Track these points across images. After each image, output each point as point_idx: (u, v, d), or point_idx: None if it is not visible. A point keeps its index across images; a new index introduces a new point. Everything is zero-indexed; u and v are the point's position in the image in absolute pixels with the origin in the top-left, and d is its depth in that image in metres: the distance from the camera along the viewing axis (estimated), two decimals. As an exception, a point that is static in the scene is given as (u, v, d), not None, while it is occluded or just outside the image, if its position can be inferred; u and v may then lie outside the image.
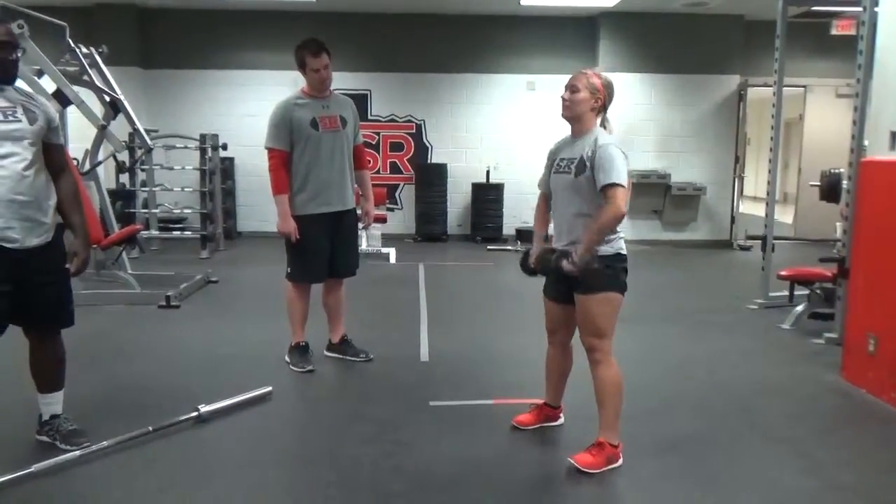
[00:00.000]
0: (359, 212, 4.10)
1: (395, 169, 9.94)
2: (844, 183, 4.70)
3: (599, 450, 2.72)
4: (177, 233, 8.46)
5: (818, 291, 5.08)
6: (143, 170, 8.22)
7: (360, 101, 9.35)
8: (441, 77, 9.72)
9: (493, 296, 6.19)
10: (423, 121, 9.84)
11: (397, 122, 9.83)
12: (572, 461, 2.70)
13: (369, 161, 8.08)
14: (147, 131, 6.26)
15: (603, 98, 2.78)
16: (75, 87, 5.49)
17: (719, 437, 3.13)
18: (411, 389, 3.68)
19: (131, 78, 8.82)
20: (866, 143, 4.13)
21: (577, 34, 9.63)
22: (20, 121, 2.60)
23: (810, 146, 9.75)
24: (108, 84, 5.87)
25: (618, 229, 2.76)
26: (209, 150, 8.13)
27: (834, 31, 8.37)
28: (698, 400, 3.60)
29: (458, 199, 9.85)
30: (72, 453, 2.73)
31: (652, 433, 3.12)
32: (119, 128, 5.97)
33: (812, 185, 5.80)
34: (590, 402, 2.82)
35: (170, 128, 8.90)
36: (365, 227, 4.44)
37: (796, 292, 5.48)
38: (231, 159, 9.34)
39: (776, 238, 5.92)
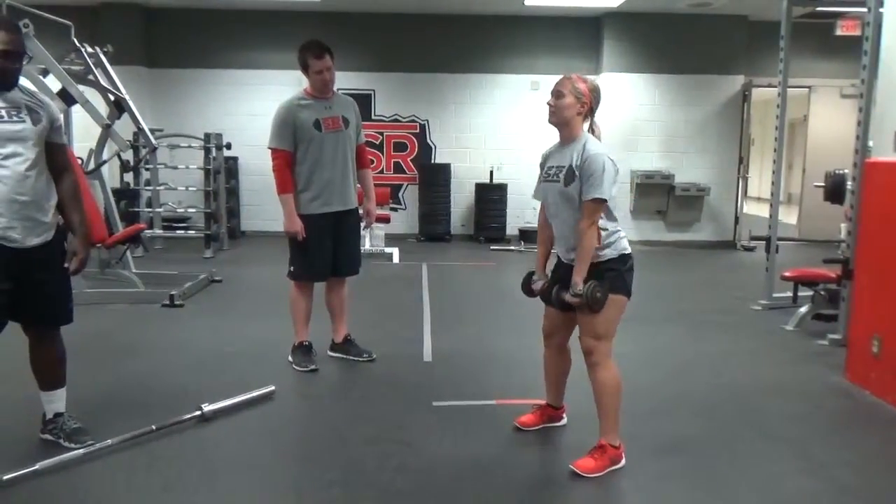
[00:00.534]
0: (361, 211, 4.11)
1: (398, 169, 9.94)
2: (849, 184, 4.69)
3: (601, 453, 2.71)
4: (181, 232, 8.48)
5: (822, 292, 5.07)
6: (147, 169, 8.24)
7: (364, 100, 9.36)
8: (445, 77, 9.72)
9: (496, 296, 6.19)
10: (427, 121, 9.84)
11: (401, 122, 9.83)
12: (574, 468, 2.68)
13: (371, 161, 8.08)
14: (151, 130, 6.27)
15: (589, 103, 2.74)
16: (80, 87, 5.50)
17: (722, 438, 3.12)
18: (414, 389, 3.67)
19: (136, 77, 8.85)
20: (871, 143, 4.12)
21: (581, 34, 9.62)
22: (24, 121, 2.61)
23: (814, 147, 9.72)
24: (112, 83, 5.88)
25: (618, 227, 2.75)
26: (213, 150, 8.14)
27: (838, 32, 8.38)
28: (701, 400, 3.60)
29: (461, 199, 9.85)
30: (75, 451, 2.74)
31: (654, 433, 3.11)
32: (123, 127, 5.98)
33: (816, 186, 5.78)
34: (592, 402, 2.81)
35: (174, 127, 8.92)
36: (367, 227, 4.44)
37: (800, 293, 5.48)
38: (235, 159, 9.36)
39: (780, 239, 5.91)
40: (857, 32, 7.16)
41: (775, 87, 5.80)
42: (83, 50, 5.72)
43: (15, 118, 2.59)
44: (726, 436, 3.15)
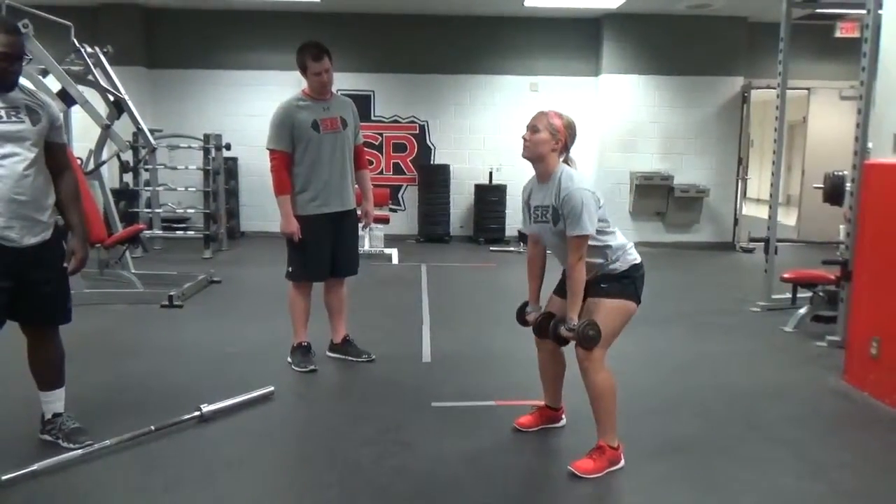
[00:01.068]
0: (359, 212, 4.11)
1: (398, 170, 9.94)
2: (848, 185, 4.69)
3: (600, 454, 2.72)
4: (180, 232, 8.48)
5: (821, 294, 5.07)
6: (146, 169, 8.23)
7: (364, 101, 9.37)
8: (444, 78, 9.72)
9: (495, 297, 6.19)
10: (427, 122, 9.85)
11: (400, 123, 9.83)
12: (573, 469, 2.69)
13: (370, 161, 8.09)
14: (151, 131, 6.27)
15: (564, 139, 2.74)
16: (80, 87, 5.51)
17: (721, 439, 3.12)
18: (413, 390, 3.68)
19: (136, 78, 8.85)
20: (870, 145, 4.12)
21: (581, 36, 9.62)
22: (23, 122, 2.61)
23: (814, 148, 9.72)
24: (112, 84, 5.88)
25: (624, 241, 2.78)
26: (213, 150, 8.14)
27: (838, 34, 8.37)
28: (700, 402, 3.60)
29: (460, 200, 9.85)
30: (74, 452, 2.74)
31: (653, 435, 3.12)
32: (123, 127, 5.99)
33: (815, 188, 5.78)
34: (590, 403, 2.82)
35: (174, 127, 8.91)
36: (365, 227, 4.45)
37: (799, 295, 5.48)
38: (234, 159, 9.35)
39: (779, 240, 5.92)
40: (857, 34, 7.16)
41: (775, 88, 5.80)
42: (83, 50, 5.72)
43: (14, 118, 2.59)
44: (725, 437, 3.15)
